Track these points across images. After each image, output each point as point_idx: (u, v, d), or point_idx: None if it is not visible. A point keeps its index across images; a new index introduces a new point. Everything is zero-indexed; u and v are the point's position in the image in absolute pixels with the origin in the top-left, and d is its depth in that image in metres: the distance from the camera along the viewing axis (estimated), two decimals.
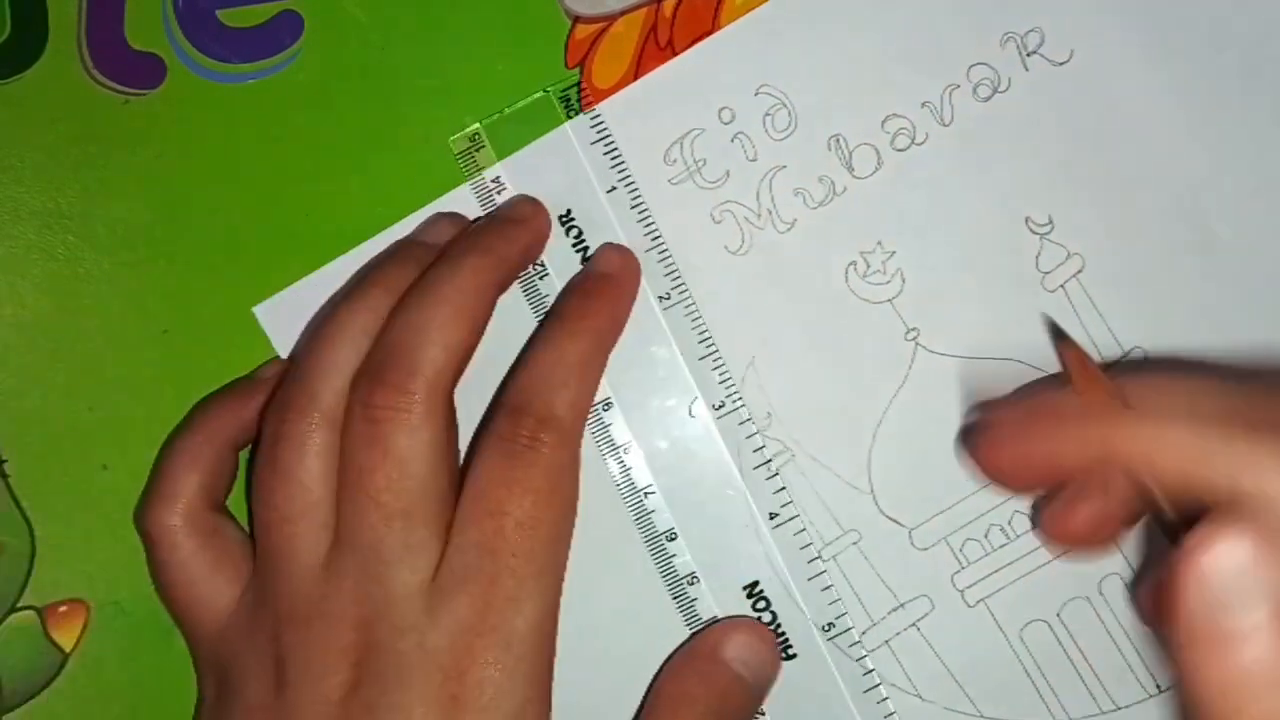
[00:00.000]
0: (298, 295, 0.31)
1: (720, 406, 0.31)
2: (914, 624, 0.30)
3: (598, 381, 0.30)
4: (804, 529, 0.30)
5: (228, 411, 0.30)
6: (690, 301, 0.31)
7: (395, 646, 0.27)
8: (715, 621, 0.30)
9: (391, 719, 0.26)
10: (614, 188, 0.31)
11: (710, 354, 0.31)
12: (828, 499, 0.31)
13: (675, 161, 0.31)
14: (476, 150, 0.31)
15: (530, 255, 0.31)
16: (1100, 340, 0.30)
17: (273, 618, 0.28)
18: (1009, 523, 0.30)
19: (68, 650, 0.31)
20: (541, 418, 0.28)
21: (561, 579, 0.28)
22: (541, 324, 0.30)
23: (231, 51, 0.32)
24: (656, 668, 0.30)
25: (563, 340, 0.29)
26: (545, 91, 0.31)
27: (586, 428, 0.30)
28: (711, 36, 0.31)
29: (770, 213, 0.31)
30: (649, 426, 0.31)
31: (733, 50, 0.31)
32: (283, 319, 0.31)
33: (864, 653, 0.30)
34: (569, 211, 0.31)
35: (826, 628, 0.30)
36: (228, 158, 0.32)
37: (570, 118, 0.31)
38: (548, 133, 0.31)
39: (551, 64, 0.31)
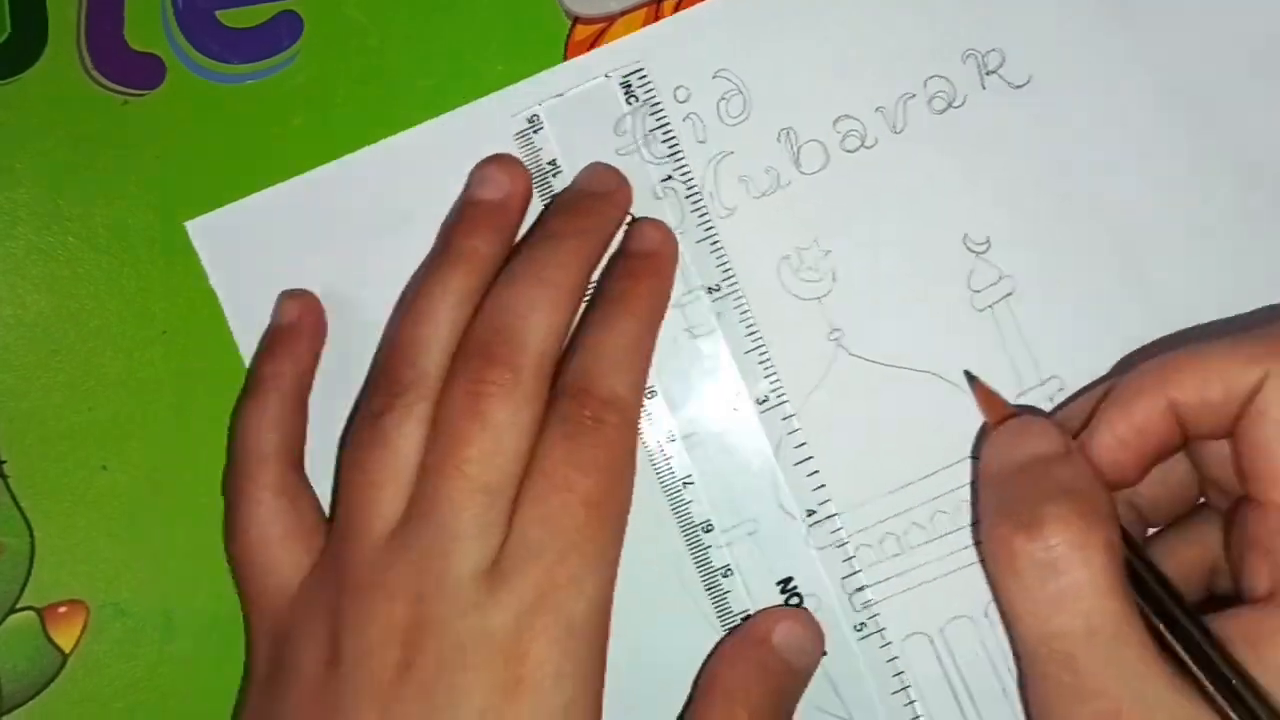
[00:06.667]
0: (233, 216, 0.31)
1: (764, 401, 0.31)
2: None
3: (650, 360, 0.30)
4: (841, 527, 0.30)
5: (286, 365, 0.30)
6: (740, 294, 0.31)
7: (454, 626, 0.26)
8: (747, 615, 0.30)
9: (449, 701, 0.25)
10: (669, 177, 0.31)
11: (757, 348, 0.31)
12: (735, 487, 0.30)
13: (625, 133, 0.31)
14: (534, 131, 0.31)
15: (618, 229, 0.31)
16: (1021, 366, 0.30)
17: (335, 586, 0.27)
18: (904, 533, 0.30)
19: (68, 650, 0.31)
20: (605, 399, 0.28)
21: (616, 566, 0.28)
22: (590, 306, 0.30)
23: (231, 52, 0.32)
24: (690, 659, 0.30)
25: (616, 322, 0.29)
26: (606, 76, 0.31)
27: None
28: (678, 14, 0.31)
29: (712, 195, 0.31)
30: (691, 417, 0.31)
31: (696, 31, 0.31)
32: (216, 238, 0.31)
33: (895, 654, 0.30)
34: None
35: (859, 627, 0.30)
36: (227, 158, 0.32)
37: (630, 105, 0.31)
38: (606, 118, 0.31)
39: (551, 65, 0.31)
